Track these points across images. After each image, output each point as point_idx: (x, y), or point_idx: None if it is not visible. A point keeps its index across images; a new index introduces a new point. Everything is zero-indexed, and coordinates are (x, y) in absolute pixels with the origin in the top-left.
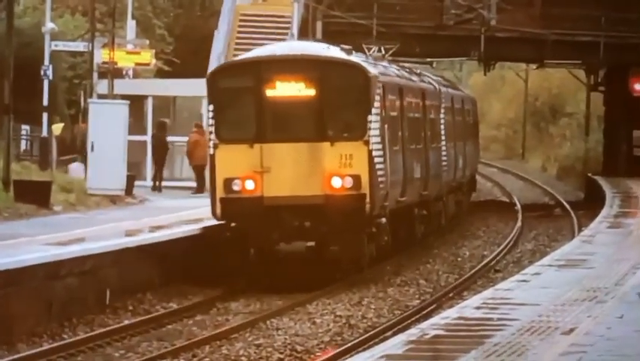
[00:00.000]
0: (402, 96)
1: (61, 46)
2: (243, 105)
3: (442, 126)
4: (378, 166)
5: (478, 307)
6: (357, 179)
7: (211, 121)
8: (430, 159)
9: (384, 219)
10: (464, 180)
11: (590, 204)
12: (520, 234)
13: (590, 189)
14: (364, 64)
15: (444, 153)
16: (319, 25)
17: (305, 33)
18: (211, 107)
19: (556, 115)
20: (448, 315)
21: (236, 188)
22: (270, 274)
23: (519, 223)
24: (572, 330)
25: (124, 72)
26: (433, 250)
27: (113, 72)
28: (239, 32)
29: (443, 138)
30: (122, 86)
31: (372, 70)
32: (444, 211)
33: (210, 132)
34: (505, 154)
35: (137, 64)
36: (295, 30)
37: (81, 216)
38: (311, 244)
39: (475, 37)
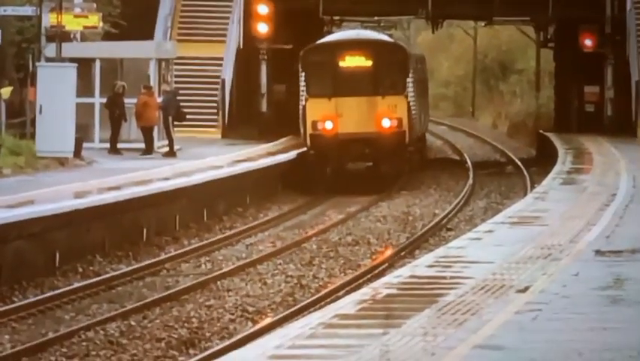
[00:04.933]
0: (415, 63)
1: (9, 11)
2: (324, 72)
3: (415, 83)
4: (412, 112)
5: (430, 266)
6: (399, 120)
7: (302, 83)
8: (420, 109)
9: (412, 148)
10: (423, 131)
11: (542, 160)
12: (471, 192)
13: (541, 146)
14: (402, 43)
15: (415, 105)
16: None
17: None
18: (302, 74)
19: (505, 72)
20: (401, 274)
21: (319, 127)
22: (341, 184)
23: (470, 181)
24: (526, 288)
25: (72, 35)
26: (383, 209)
27: (60, 36)
28: None
29: (413, 92)
30: (69, 50)
31: (407, 48)
32: (423, 148)
33: (302, 91)
34: (455, 112)
35: (85, 27)
36: None
37: (30, 179)
38: (369, 164)
39: None
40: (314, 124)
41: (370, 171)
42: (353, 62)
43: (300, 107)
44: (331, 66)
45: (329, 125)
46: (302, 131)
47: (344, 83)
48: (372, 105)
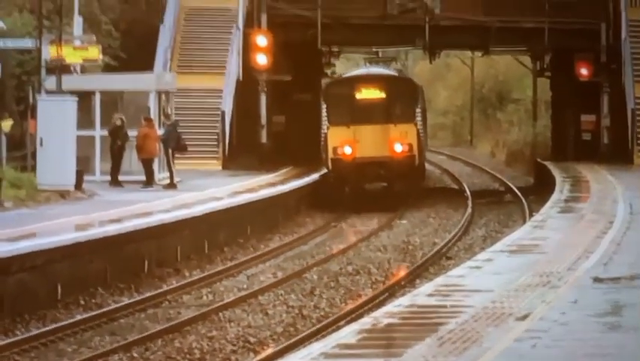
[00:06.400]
0: (421, 94)
1: (9, 43)
2: (343, 103)
3: (422, 113)
4: (420, 138)
5: (430, 295)
6: (410, 146)
7: (324, 113)
8: (425, 136)
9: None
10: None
11: (540, 189)
12: (470, 220)
13: (539, 175)
14: (411, 78)
15: (422, 132)
16: (264, 17)
17: (250, 25)
18: (324, 105)
19: (503, 101)
20: (401, 303)
21: (339, 152)
22: (358, 202)
23: (469, 210)
24: (526, 316)
25: (72, 68)
26: (383, 239)
27: (60, 68)
28: (184, 25)
29: (421, 121)
30: (69, 82)
31: (415, 81)
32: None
33: (324, 120)
34: (453, 141)
35: (85, 59)
36: (240, 23)
37: (31, 212)
38: (384, 184)
39: (419, 27)
40: (334, 149)
41: (385, 190)
42: (369, 94)
43: (322, 134)
44: (350, 98)
45: (348, 150)
46: (324, 156)
47: (361, 112)
48: (385, 132)
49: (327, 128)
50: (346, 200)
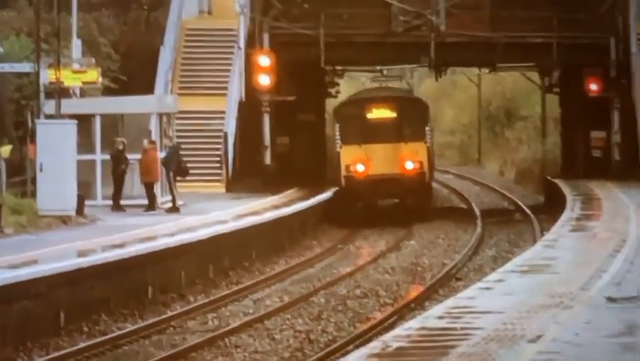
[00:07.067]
0: (430, 113)
1: (7, 67)
2: (355, 123)
3: (431, 132)
4: (430, 156)
5: (441, 317)
6: (420, 163)
7: (337, 132)
8: (433, 154)
9: (432, 184)
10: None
11: (551, 207)
12: (480, 241)
13: (549, 193)
14: (421, 97)
15: (432, 150)
16: (266, 37)
17: (252, 45)
18: (337, 125)
19: (511, 118)
20: (411, 326)
21: (352, 169)
22: (371, 218)
23: (479, 230)
24: (538, 337)
25: (71, 91)
26: (391, 260)
27: (59, 92)
28: (185, 47)
29: (430, 139)
30: (69, 106)
31: (425, 100)
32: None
33: (337, 139)
34: (461, 160)
35: (84, 82)
36: (242, 43)
37: (32, 238)
38: (395, 200)
39: (424, 44)
40: (347, 167)
41: (397, 206)
42: (380, 114)
43: (335, 153)
44: (361, 118)
45: (360, 167)
46: (337, 174)
47: (373, 132)
48: (397, 150)
49: (340, 147)
50: (359, 216)
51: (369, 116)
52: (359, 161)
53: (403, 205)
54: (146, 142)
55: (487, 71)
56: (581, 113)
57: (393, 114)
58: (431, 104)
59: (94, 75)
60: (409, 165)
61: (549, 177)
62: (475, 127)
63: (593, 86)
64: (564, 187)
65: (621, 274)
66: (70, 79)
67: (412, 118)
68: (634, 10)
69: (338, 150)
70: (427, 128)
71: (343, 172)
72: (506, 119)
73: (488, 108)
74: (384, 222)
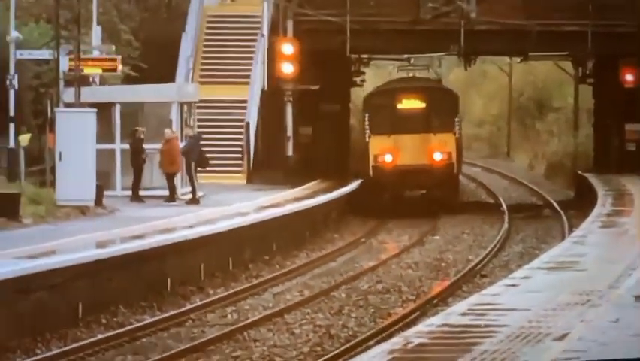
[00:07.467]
0: (459, 104)
1: (26, 54)
2: (385, 113)
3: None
4: (459, 148)
5: (464, 314)
6: (449, 154)
7: (366, 122)
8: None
9: (460, 177)
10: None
11: (581, 203)
12: (507, 236)
13: (580, 188)
14: (451, 88)
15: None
16: (290, 24)
17: (276, 32)
18: (366, 115)
19: (542, 110)
20: (433, 323)
21: (380, 160)
22: (398, 209)
23: (505, 225)
24: (564, 336)
25: (90, 79)
26: (414, 255)
27: (79, 80)
28: (207, 34)
29: (459, 130)
30: (88, 94)
31: (455, 91)
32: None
33: (366, 129)
34: (490, 152)
35: (105, 70)
36: (265, 30)
37: (51, 228)
38: (423, 191)
39: (454, 31)
40: (375, 157)
41: (425, 197)
42: (409, 104)
43: (364, 142)
44: (390, 108)
45: (388, 158)
46: (365, 164)
47: (401, 122)
48: (425, 141)
49: (369, 137)
50: (384, 208)
51: (399, 106)
52: (387, 151)
53: (429, 197)
54: (169, 131)
55: (518, 60)
56: (615, 105)
57: (423, 105)
58: (460, 94)
59: (114, 63)
60: (438, 156)
61: (580, 172)
62: (504, 118)
63: (629, 77)
64: (595, 182)
65: None
66: (90, 66)
67: (442, 109)
68: None
69: (367, 139)
70: (456, 120)
71: (371, 162)
72: (537, 110)
73: (519, 99)
74: (409, 214)
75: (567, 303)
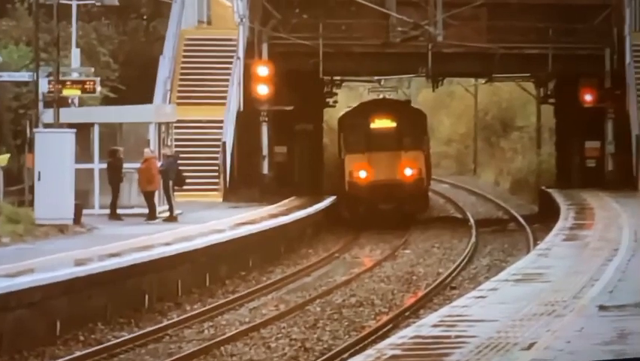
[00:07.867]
0: (427, 123)
1: (5, 76)
2: (359, 132)
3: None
4: (427, 164)
5: (435, 325)
6: (419, 170)
7: (342, 141)
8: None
9: (429, 192)
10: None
11: (545, 217)
12: (474, 250)
13: (544, 203)
14: (419, 108)
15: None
16: (265, 47)
17: (251, 55)
18: (341, 134)
19: (507, 129)
20: (405, 334)
21: (356, 175)
22: (372, 221)
23: (473, 239)
24: (531, 345)
25: (69, 101)
26: (387, 269)
27: (58, 101)
28: (184, 56)
29: (428, 148)
30: (67, 115)
31: (423, 111)
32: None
33: (341, 147)
34: (457, 170)
35: (83, 92)
36: (241, 53)
37: (29, 247)
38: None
39: (422, 54)
40: (351, 173)
41: (395, 210)
42: (381, 124)
43: (340, 160)
44: (364, 127)
45: (363, 174)
46: (342, 179)
47: (374, 140)
48: (397, 158)
49: (344, 154)
50: (357, 223)
51: (372, 126)
52: (362, 168)
53: (401, 210)
54: (148, 151)
55: (483, 81)
56: (575, 124)
57: (394, 124)
58: (428, 114)
59: (92, 85)
60: (408, 172)
61: (544, 187)
62: (471, 137)
63: (588, 97)
64: (558, 197)
65: (613, 283)
66: (69, 88)
67: (411, 128)
68: (629, 22)
69: (342, 157)
70: (425, 138)
71: (347, 178)
72: (502, 129)
73: (484, 118)
74: (381, 228)
75: (534, 314)
